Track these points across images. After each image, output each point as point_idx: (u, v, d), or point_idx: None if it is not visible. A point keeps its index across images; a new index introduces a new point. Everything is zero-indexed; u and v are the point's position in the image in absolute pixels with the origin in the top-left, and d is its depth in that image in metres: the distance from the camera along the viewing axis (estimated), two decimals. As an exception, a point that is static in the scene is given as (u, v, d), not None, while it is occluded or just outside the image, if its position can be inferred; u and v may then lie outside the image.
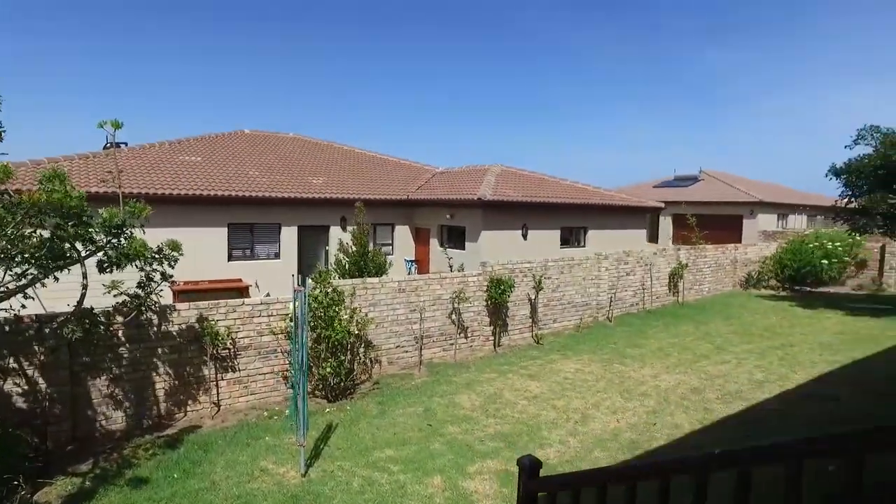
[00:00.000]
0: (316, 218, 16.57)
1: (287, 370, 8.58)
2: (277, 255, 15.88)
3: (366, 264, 11.39)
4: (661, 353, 10.73)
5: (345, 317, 8.55)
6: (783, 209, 30.83)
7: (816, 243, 19.56)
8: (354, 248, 11.70)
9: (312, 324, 8.20)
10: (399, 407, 8.02)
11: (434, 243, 17.93)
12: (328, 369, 8.17)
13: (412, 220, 18.83)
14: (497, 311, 11.76)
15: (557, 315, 13.36)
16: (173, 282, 7.08)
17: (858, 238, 20.02)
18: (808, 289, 19.36)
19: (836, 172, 15.12)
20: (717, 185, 32.03)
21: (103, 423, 7.08)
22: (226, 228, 14.81)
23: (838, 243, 19.62)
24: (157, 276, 6.68)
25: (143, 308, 6.73)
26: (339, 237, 16.00)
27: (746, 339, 11.77)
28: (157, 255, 6.51)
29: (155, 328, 7.46)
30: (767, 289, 19.67)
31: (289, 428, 7.26)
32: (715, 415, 7.40)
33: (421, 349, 10.42)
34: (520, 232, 16.77)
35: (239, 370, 8.23)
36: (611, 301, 14.52)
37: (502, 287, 11.30)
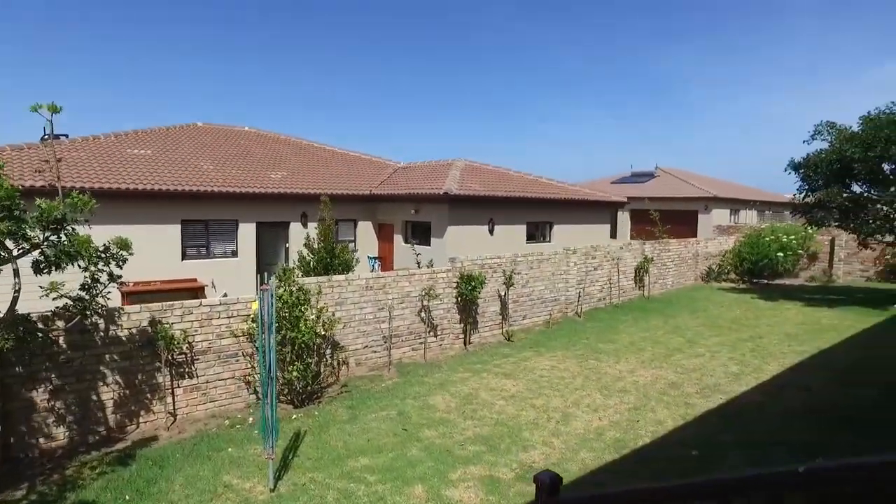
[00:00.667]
0: (275, 214, 15.87)
1: (249, 375, 8.04)
2: (235, 253, 15.11)
3: (332, 261, 10.87)
4: (634, 347, 10.65)
5: (311, 317, 8.06)
6: (735, 204, 31.82)
7: (772, 237, 20.09)
8: (320, 245, 11.15)
9: (277, 325, 7.69)
10: (371, 411, 7.61)
11: (398, 239, 17.48)
12: (294, 373, 7.68)
13: (375, 215, 18.31)
14: (467, 308, 11.46)
15: (527, 311, 13.17)
16: (122, 283, 6.46)
17: (811, 231, 20.73)
18: (766, 281, 19.88)
19: (794, 167, 15.48)
20: (673, 181, 32.72)
21: (42, 440, 6.39)
22: (179, 225, 13.95)
23: (792, 236, 20.22)
24: (104, 277, 6.07)
25: (88, 312, 6.10)
26: (300, 234, 15.38)
27: (716, 331, 11.86)
28: (103, 254, 5.90)
29: (102, 333, 6.80)
30: (727, 281, 20.10)
31: (253, 438, 6.75)
32: (696, 409, 7.30)
33: (390, 349, 10.01)
34: (486, 227, 16.52)
35: (197, 376, 7.64)
36: (579, 296, 14.44)
37: (473, 283, 11.01)
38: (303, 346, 7.87)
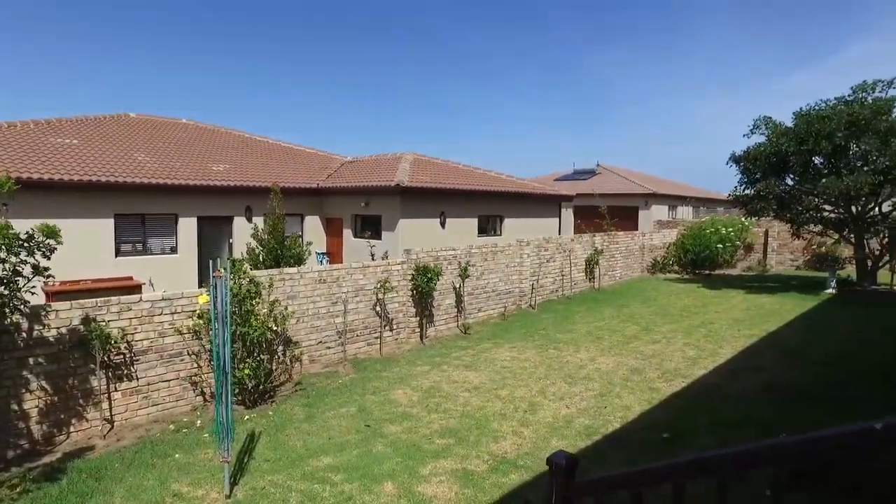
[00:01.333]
0: (218, 208, 15.05)
1: (195, 375, 7.47)
2: (174, 250, 14.20)
3: (283, 254, 10.34)
4: (592, 336, 10.70)
5: (263, 311, 7.59)
6: (673, 201, 33.09)
7: (712, 229, 20.90)
8: (269, 236, 10.59)
9: (226, 320, 7.19)
10: (329, 408, 7.22)
11: (347, 234, 16.98)
12: (246, 371, 7.18)
13: (322, 210, 17.72)
14: (423, 301, 11.20)
15: (482, 304, 13.04)
16: (49, 277, 5.80)
17: (747, 223, 21.72)
18: (707, 272, 20.63)
19: (735, 160, 16.10)
20: (614, 178, 33.60)
21: (-45, 455, 5.67)
22: (112, 220, 12.95)
23: (731, 229, 21.12)
24: (27, 270, 5.44)
25: (9, 309, 5.44)
26: (244, 229, 14.64)
27: (668, 319, 12.10)
28: (25, 243, 5.28)
29: (24, 334, 6.10)
30: (672, 273, 20.73)
31: (203, 441, 6.24)
32: (661, 394, 7.33)
33: (345, 344, 9.62)
34: (438, 220, 16.29)
35: (137, 378, 7.01)
36: (533, 288, 14.46)
37: (429, 275, 10.76)
38: (254, 342, 7.39)
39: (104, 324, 6.56)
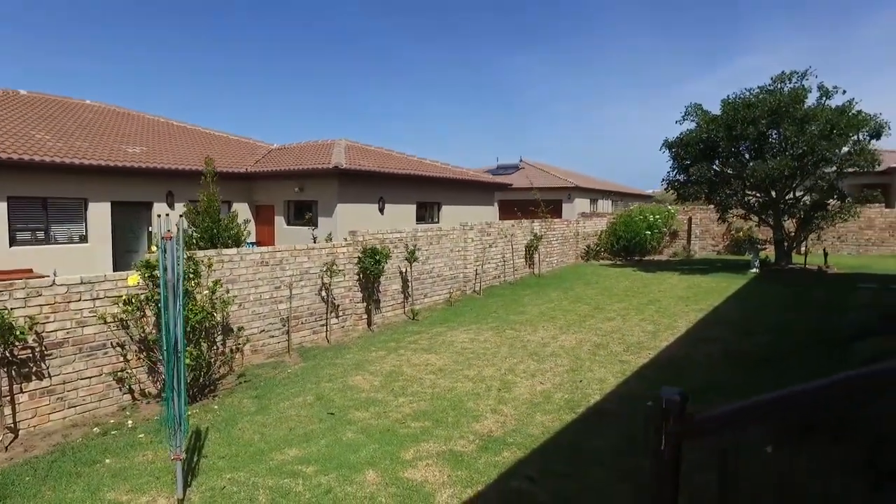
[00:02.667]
0: (134, 192, 13.58)
1: (122, 370, 6.49)
2: (84, 238, 12.63)
3: (219, 234, 9.35)
4: (546, 317, 10.54)
5: (205, 293, 6.73)
6: (594, 194, 34.51)
7: (641, 217, 21.63)
8: (201, 215, 9.55)
9: (177, 290, 6.32)
10: (282, 399, 6.51)
11: (279, 222, 15.96)
12: (187, 360, 6.30)
13: (252, 196, 16.55)
14: (369, 286, 10.59)
15: (428, 290, 12.59)
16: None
17: (672, 210, 22.69)
18: (637, 258, 21.32)
19: (668, 146, 16.66)
20: (537, 172, 34.26)
21: None
22: (5, 203, 11.28)
23: (658, 216, 21.96)
24: None
25: None
26: (167, 214, 13.32)
27: (616, 299, 12.21)
28: None
29: None
30: (604, 259, 21.25)
31: (139, 443, 5.38)
32: (631, 365, 7.21)
33: (290, 332, 8.85)
34: (377, 206, 15.67)
35: (50, 376, 5.96)
36: (476, 274, 14.20)
37: (377, 257, 10.16)
38: (194, 328, 6.53)
39: (6, 312, 5.49)
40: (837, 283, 13.37)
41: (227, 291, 7.75)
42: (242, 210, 16.44)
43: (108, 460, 5.00)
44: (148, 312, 6.52)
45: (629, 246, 21.06)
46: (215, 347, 7.59)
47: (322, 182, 14.54)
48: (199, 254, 7.29)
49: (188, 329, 6.45)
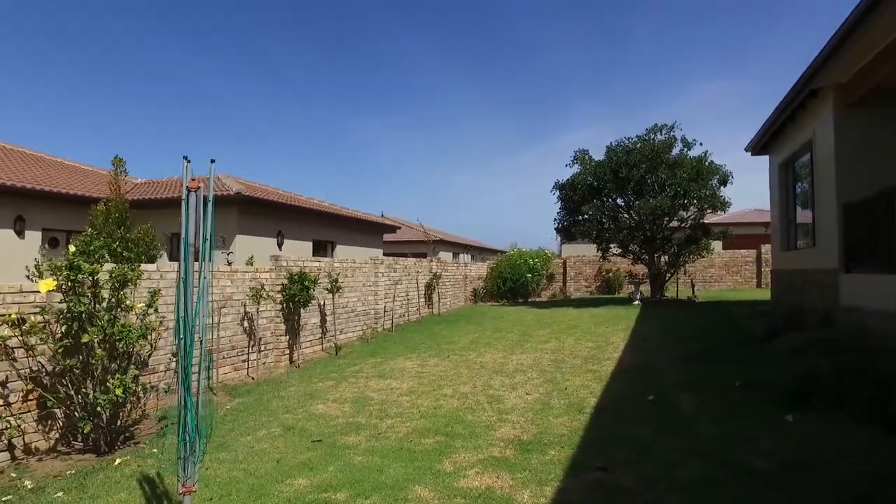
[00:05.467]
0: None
1: (7, 410, 4.80)
2: None
3: (129, 248, 7.68)
4: (481, 344, 10.19)
5: (140, 307, 5.39)
6: (457, 248, 37.30)
7: (521, 260, 22.58)
8: (105, 223, 7.83)
9: (87, 321, 4.92)
10: (241, 434, 5.30)
11: (163, 257, 13.87)
12: (118, 391, 4.89)
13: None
14: (292, 317, 9.49)
15: (343, 325, 11.63)
16: None
17: (549, 254, 24.09)
18: (521, 300, 22.01)
19: (559, 187, 17.82)
20: (403, 226, 34.97)
21: None
22: None
23: (537, 259, 23.11)
24: None
25: None
26: (12, 248, 10.83)
27: (536, 328, 12.23)
28: None
29: None
30: (492, 301, 21.63)
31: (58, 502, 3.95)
32: (602, 373, 7.09)
33: (217, 367, 7.48)
34: (275, 240, 14.42)
35: None
36: (385, 310, 13.56)
37: (306, 283, 9.18)
38: (125, 352, 5.14)
39: None
40: (711, 308, 14.98)
41: (145, 315, 6.31)
42: (110, 245, 14.05)
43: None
44: (59, 331, 5.00)
45: (514, 288, 21.74)
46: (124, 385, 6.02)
47: (218, 211, 13.01)
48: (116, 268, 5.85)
49: (120, 349, 5.08)
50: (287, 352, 9.35)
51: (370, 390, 6.83)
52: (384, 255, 25.99)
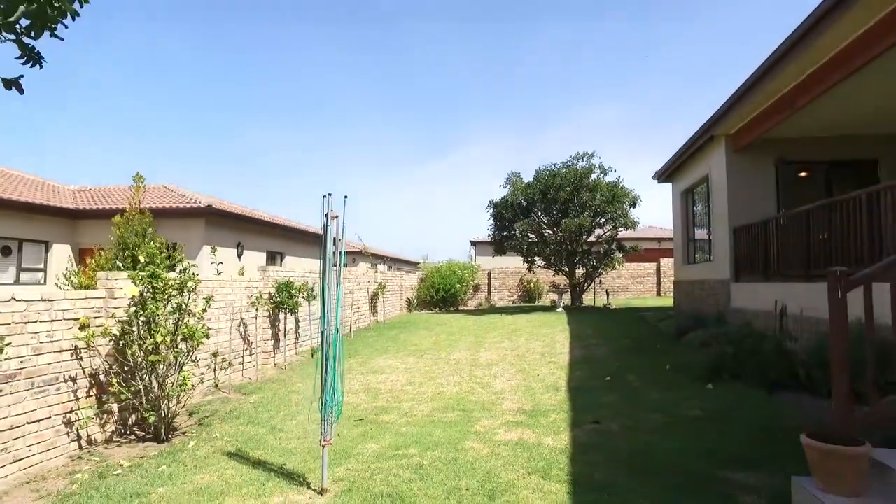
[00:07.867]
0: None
1: (73, 411, 5.46)
2: None
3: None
4: (444, 345, 11.46)
5: (197, 310, 6.22)
6: (375, 259, 38.07)
7: (451, 271, 24.15)
8: (125, 234, 8.27)
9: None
10: (285, 420, 6.28)
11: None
12: (188, 384, 5.74)
13: (74, 238, 14.04)
14: (277, 324, 10.32)
15: (313, 331, 12.48)
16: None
17: (475, 266, 25.86)
18: (453, 308, 23.53)
19: (493, 206, 19.64)
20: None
21: None
22: None
23: (464, 271, 24.80)
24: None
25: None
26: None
27: (484, 332, 13.69)
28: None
29: None
30: (426, 310, 22.95)
31: (160, 474, 4.83)
32: (561, 364, 8.71)
33: (225, 369, 8.24)
34: (236, 251, 14.90)
35: None
36: (343, 317, 14.46)
37: (293, 291, 10.11)
38: (187, 349, 5.98)
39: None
40: (626, 313, 17.32)
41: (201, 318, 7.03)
42: (63, 253, 13.79)
43: (161, 489, 4.44)
44: (131, 331, 5.75)
45: (445, 297, 23.24)
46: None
47: (184, 222, 13.32)
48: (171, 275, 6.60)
49: (178, 350, 5.90)
50: (273, 355, 10.14)
51: (373, 383, 7.96)
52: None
